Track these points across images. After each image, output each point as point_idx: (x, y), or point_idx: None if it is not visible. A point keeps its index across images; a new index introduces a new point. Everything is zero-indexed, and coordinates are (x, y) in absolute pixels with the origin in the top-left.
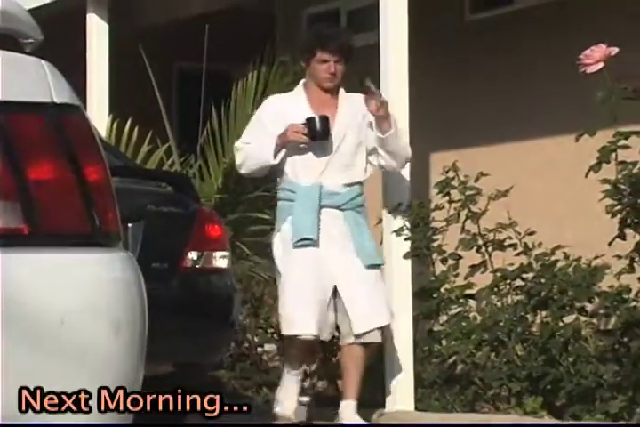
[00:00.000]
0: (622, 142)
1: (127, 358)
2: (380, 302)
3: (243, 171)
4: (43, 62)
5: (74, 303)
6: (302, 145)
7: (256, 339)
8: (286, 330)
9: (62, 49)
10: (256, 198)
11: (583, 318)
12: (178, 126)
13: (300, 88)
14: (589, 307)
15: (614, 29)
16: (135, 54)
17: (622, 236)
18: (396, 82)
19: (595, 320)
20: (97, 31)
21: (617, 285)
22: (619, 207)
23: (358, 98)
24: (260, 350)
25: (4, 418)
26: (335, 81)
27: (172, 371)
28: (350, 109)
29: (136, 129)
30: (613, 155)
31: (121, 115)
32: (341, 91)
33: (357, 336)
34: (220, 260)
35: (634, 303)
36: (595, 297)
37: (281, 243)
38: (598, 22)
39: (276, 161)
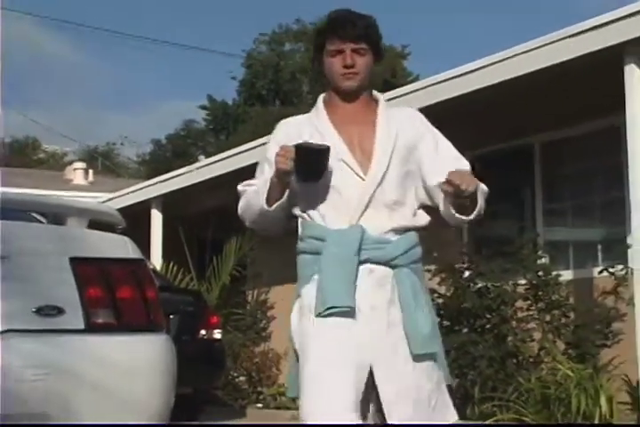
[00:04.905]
0: None
1: (166, 390)
2: (423, 405)
3: (248, 224)
4: (125, 238)
5: (139, 363)
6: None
7: (235, 374)
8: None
9: (137, 229)
10: (235, 302)
11: None
12: (197, 266)
13: (319, 102)
14: None
15: None
16: (176, 229)
17: None
18: None
19: None
20: (156, 218)
21: None
22: None
23: (404, 111)
24: (236, 380)
25: None
26: (357, 79)
27: (192, 391)
28: (392, 127)
29: (175, 267)
30: None
31: (167, 260)
32: (382, 101)
33: None
34: (217, 334)
35: None
36: None
37: (298, 312)
38: None
39: (272, 208)
